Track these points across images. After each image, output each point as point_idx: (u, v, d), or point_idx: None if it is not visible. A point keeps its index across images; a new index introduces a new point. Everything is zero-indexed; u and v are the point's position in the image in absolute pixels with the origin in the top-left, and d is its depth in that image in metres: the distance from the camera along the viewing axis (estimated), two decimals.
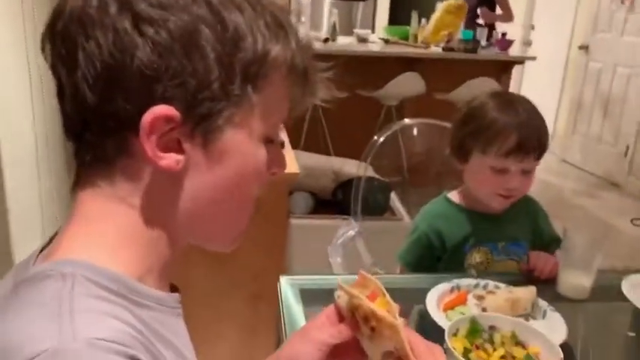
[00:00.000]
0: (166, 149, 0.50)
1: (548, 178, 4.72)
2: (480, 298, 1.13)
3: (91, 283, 0.47)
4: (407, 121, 1.93)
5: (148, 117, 0.48)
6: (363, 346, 0.66)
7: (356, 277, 0.70)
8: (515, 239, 1.33)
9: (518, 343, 0.93)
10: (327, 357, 0.68)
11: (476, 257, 1.31)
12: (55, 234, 0.55)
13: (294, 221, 2.27)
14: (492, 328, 0.96)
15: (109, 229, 0.52)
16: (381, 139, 1.79)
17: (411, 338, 0.61)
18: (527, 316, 1.08)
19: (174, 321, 0.55)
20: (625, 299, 1.16)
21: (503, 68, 4.09)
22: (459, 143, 1.28)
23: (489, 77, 3.66)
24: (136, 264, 0.52)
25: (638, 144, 4.31)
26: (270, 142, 0.56)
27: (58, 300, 0.45)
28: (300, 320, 1.10)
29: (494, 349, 0.92)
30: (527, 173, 1.24)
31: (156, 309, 0.52)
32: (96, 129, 0.50)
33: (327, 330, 0.68)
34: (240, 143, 0.53)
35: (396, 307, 0.65)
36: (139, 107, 0.48)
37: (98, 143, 0.50)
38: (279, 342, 1.13)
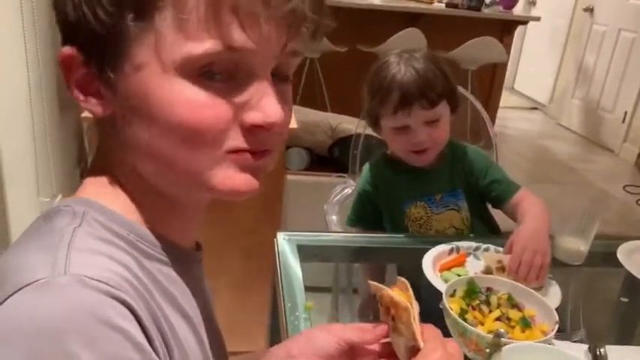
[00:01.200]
0: (85, 93, 0.49)
1: (542, 142, 4.73)
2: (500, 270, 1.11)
3: (100, 225, 0.47)
4: None
5: (59, 57, 0.48)
6: (392, 343, 0.65)
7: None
8: (451, 189, 1.33)
9: (515, 306, 0.94)
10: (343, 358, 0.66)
11: (414, 213, 1.32)
12: None
13: (289, 177, 2.25)
14: (489, 289, 0.97)
15: (121, 180, 0.52)
16: None
17: (425, 326, 0.60)
18: None
19: (187, 279, 0.54)
20: (619, 265, 1.17)
21: (506, 28, 4.02)
22: (368, 112, 1.30)
23: (492, 37, 3.59)
24: (149, 213, 0.51)
25: (637, 111, 4.29)
26: (208, 73, 0.46)
27: (60, 234, 0.45)
28: (297, 275, 1.10)
29: (490, 311, 0.93)
30: (433, 123, 1.23)
31: (166, 262, 0.51)
32: None
33: (352, 329, 0.67)
34: (155, 75, 0.45)
35: (416, 305, 0.63)
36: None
37: None
38: (273, 299, 1.13)
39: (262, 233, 1.38)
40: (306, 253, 1.19)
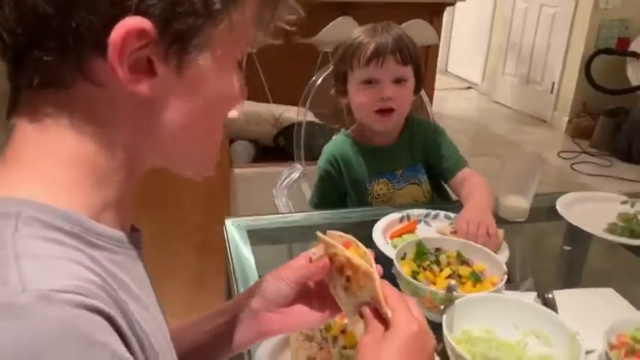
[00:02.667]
0: (135, 71, 0.43)
1: (480, 119, 4.87)
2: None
3: (39, 223, 0.41)
4: None
5: (119, 31, 0.41)
6: (337, 300, 0.65)
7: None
8: (411, 164, 1.36)
9: (464, 262, 0.96)
10: (300, 302, 0.67)
11: (377, 190, 1.34)
12: None
13: (236, 171, 2.23)
14: (438, 250, 0.99)
15: (59, 162, 0.45)
16: (318, 81, 1.76)
17: (386, 289, 0.60)
18: None
19: (134, 264, 0.50)
20: (560, 218, 1.22)
21: (434, 10, 4.11)
22: (336, 75, 1.32)
23: (423, 20, 3.67)
24: (91, 200, 0.46)
25: (563, 80, 4.49)
26: (240, 67, 0.53)
27: None
28: (249, 261, 1.08)
29: (441, 270, 0.95)
30: (400, 83, 1.26)
31: (115, 251, 0.47)
32: (50, 46, 0.42)
33: (300, 270, 0.67)
34: (218, 67, 0.48)
35: (370, 255, 0.64)
36: (106, 20, 0.41)
37: (51, 64, 0.43)
38: (228, 292, 1.11)
39: (213, 228, 1.35)
40: (257, 237, 1.17)
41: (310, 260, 0.67)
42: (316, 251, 0.67)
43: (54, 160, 0.45)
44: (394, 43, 1.23)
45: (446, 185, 1.40)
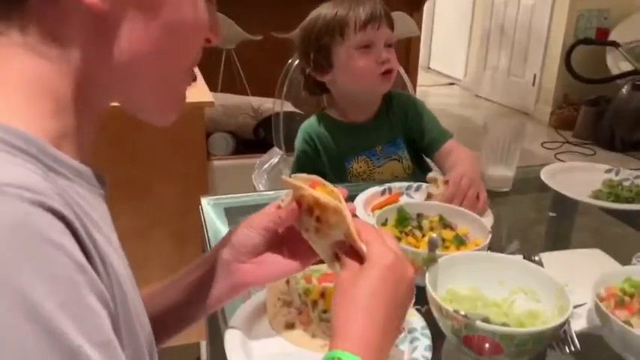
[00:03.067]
0: None
1: (463, 114, 4.87)
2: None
3: None
4: None
5: None
6: (312, 245, 0.62)
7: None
8: (391, 139, 1.33)
9: (447, 226, 0.93)
10: (271, 252, 0.64)
11: (356, 168, 1.31)
12: None
13: (215, 163, 2.19)
14: (420, 215, 0.96)
15: (14, 83, 0.42)
16: (295, 63, 1.73)
17: (358, 224, 0.58)
18: None
19: (100, 204, 0.46)
20: (545, 189, 1.20)
21: (415, 3, 4.12)
22: (316, 51, 1.27)
23: (402, 12, 3.66)
24: (49, 125, 0.42)
25: (544, 72, 4.51)
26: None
27: None
28: None
29: (424, 235, 0.91)
30: (389, 48, 1.25)
31: (79, 183, 0.42)
32: None
33: (269, 215, 0.64)
34: None
35: (339, 192, 0.62)
36: None
37: None
38: None
39: (191, 219, 1.30)
40: (234, 215, 1.13)
41: (279, 207, 0.64)
42: (285, 198, 0.65)
43: (6, 79, 0.42)
44: (382, 7, 1.24)
45: (428, 160, 1.37)
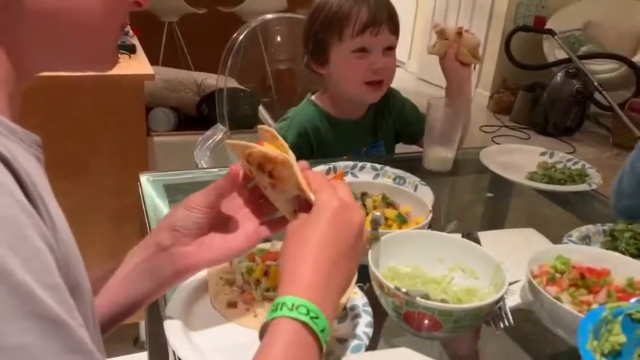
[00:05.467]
0: None
1: (406, 97, 4.96)
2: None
3: None
4: (268, 16, 1.83)
5: None
6: (274, 203, 0.62)
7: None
8: (373, 141, 1.34)
9: (390, 205, 0.94)
10: (216, 231, 0.62)
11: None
12: None
13: (156, 139, 2.12)
14: (364, 194, 0.96)
15: None
16: (240, 38, 1.69)
17: (309, 175, 0.58)
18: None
19: (35, 164, 0.42)
20: (483, 170, 1.23)
21: None
22: (315, 43, 1.25)
23: None
24: None
25: (485, 58, 4.64)
26: None
27: None
28: None
29: (367, 214, 0.92)
30: (389, 52, 1.23)
31: (10, 139, 0.39)
32: None
33: (209, 190, 0.61)
34: None
35: (288, 147, 0.61)
36: None
37: None
38: None
39: (129, 197, 1.26)
40: (174, 193, 1.10)
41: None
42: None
43: None
44: (387, 9, 1.20)
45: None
